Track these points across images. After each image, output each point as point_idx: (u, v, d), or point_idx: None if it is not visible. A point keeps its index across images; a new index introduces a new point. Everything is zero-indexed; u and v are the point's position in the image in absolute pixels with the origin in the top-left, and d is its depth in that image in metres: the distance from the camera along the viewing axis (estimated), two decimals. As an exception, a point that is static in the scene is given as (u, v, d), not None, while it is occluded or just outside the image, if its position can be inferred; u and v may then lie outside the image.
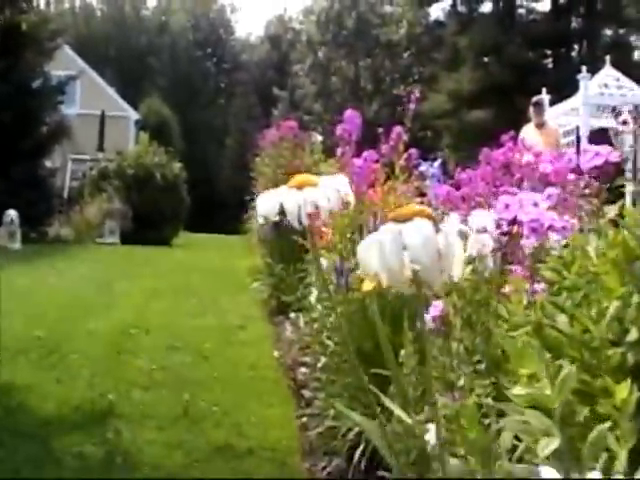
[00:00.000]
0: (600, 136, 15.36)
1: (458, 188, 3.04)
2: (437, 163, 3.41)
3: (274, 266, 6.48)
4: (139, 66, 41.60)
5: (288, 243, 6.17)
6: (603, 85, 14.75)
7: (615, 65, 15.08)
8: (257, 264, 7.82)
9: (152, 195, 16.35)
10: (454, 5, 40.81)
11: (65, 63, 21.93)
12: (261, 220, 1.20)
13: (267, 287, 6.79)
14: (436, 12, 43.10)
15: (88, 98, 25.88)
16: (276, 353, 5.00)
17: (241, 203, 10.33)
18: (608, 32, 36.49)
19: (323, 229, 4.12)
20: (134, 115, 28.41)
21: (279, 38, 48.14)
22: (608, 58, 15.49)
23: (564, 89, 15.65)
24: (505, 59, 32.76)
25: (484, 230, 1.90)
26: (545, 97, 15.49)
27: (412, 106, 3.78)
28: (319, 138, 7.56)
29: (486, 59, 34.17)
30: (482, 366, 2.05)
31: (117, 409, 3.66)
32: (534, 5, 38.27)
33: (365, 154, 3.37)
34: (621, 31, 36.16)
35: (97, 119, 22.28)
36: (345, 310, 3.14)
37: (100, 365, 4.45)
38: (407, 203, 3.35)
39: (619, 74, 15.52)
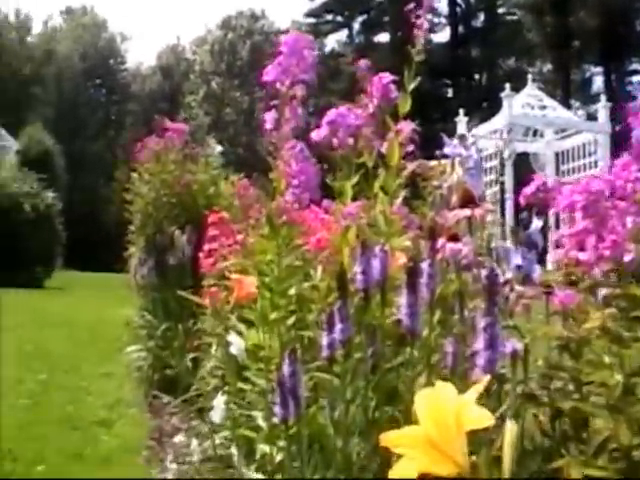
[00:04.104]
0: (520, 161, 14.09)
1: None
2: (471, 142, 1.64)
3: (156, 325, 4.54)
4: (23, 95, 39.04)
5: (175, 292, 4.30)
6: (527, 105, 13.48)
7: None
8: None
9: (19, 229, 13.92)
10: (350, 36, 40.34)
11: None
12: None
13: (147, 353, 4.82)
14: (331, 43, 42.61)
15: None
16: (155, 473, 3.06)
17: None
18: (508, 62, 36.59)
19: (234, 276, 2.27)
20: (15, 145, 26.04)
21: (171, 68, 46.53)
22: (530, 77, 14.31)
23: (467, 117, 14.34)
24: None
25: None
26: (464, 119, 14.11)
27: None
28: (218, 148, 5.66)
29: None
30: None
31: None
32: (432, 36, 38.01)
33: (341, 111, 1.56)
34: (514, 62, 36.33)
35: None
36: None
37: None
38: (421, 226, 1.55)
39: (541, 93, 14.36)
